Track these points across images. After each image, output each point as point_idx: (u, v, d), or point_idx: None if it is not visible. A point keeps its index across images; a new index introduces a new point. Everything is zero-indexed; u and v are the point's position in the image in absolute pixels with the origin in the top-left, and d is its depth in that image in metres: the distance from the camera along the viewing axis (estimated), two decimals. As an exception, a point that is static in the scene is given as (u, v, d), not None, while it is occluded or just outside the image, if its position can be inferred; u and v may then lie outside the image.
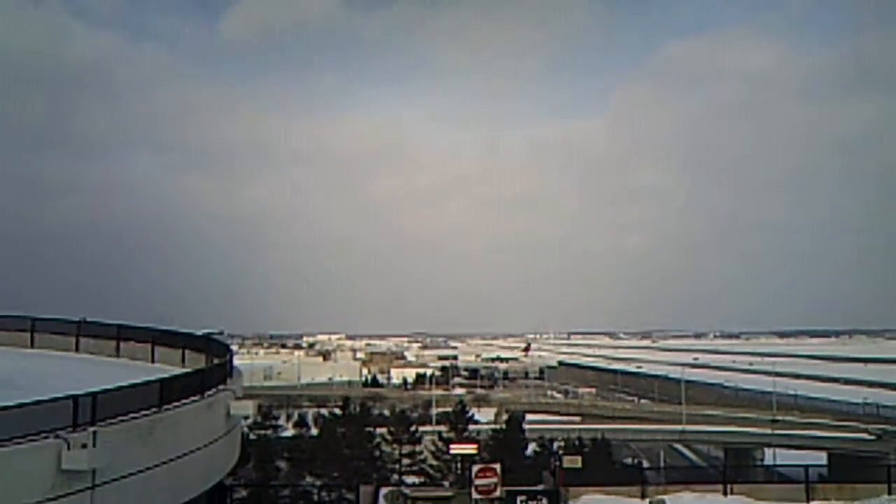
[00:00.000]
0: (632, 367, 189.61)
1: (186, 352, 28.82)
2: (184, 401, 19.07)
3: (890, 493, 30.46)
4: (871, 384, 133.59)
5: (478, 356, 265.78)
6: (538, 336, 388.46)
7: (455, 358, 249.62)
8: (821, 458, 79.65)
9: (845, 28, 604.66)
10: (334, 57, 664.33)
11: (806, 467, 34.93)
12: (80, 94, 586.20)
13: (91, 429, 14.68)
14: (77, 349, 32.49)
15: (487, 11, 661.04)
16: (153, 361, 29.63)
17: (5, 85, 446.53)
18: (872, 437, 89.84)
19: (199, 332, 31.93)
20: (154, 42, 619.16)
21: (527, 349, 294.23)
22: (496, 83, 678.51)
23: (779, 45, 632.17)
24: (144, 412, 17.09)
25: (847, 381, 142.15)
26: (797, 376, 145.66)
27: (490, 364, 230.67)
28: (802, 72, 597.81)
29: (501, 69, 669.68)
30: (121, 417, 16.07)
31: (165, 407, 17.94)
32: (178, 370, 25.42)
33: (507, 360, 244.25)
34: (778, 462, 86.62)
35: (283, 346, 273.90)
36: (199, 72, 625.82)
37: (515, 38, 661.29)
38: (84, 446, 14.22)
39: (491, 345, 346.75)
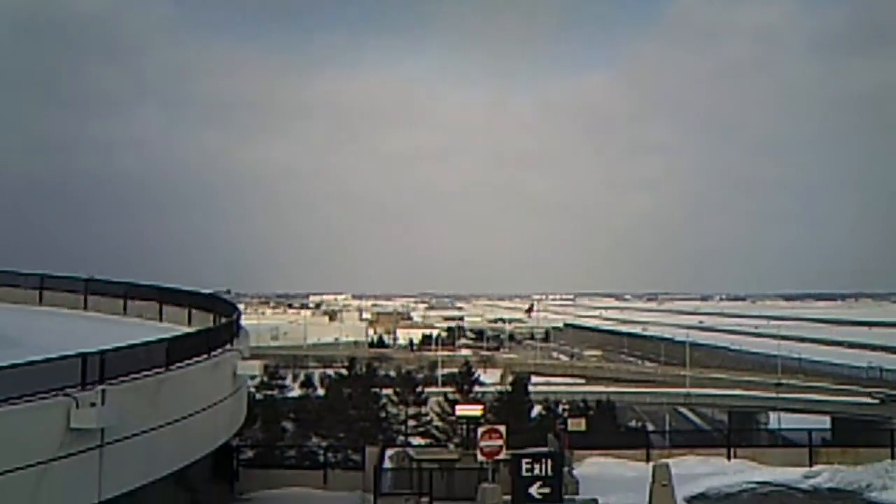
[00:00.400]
0: (637, 330, 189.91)
1: (193, 311, 28.96)
2: (190, 361, 19.15)
3: (893, 457, 30.58)
4: (875, 348, 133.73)
5: (481, 317, 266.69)
6: (544, 297, 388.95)
7: (461, 319, 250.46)
8: (824, 421, 79.85)
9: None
10: (345, 12, 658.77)
11: (809, 431, 35.12)
12: (84, 47, 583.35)
13: (100, 387, 14.72)
14: (85, 307, 32.66)
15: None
16: (161, 320, 29.76)
17: (7, 38, 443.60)
18: (875, 402, 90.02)
19: (207, 292, 31.97)
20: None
21: (530, 310, 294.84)
22: (506, 37, 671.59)
23: (789, 1, 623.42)
24: (151, 371, 17.16)
25: (852, 345, 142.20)
26: (802, 339, 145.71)
27: (495, 325, 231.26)
28: (812, 29, 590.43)
29: (511, 23, 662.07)
30: (129, 376, 16.13)
31: (172, 366, 18.02)
32: (185, 329, 25.51)
33: (510, 320, 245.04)
34: (782, 426, 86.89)
35: (290, 306, 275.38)
36: (208, 27, 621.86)
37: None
38: (93, 405, 14.28)
39: (497, 306, 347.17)
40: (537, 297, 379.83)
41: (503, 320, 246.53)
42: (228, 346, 22.59)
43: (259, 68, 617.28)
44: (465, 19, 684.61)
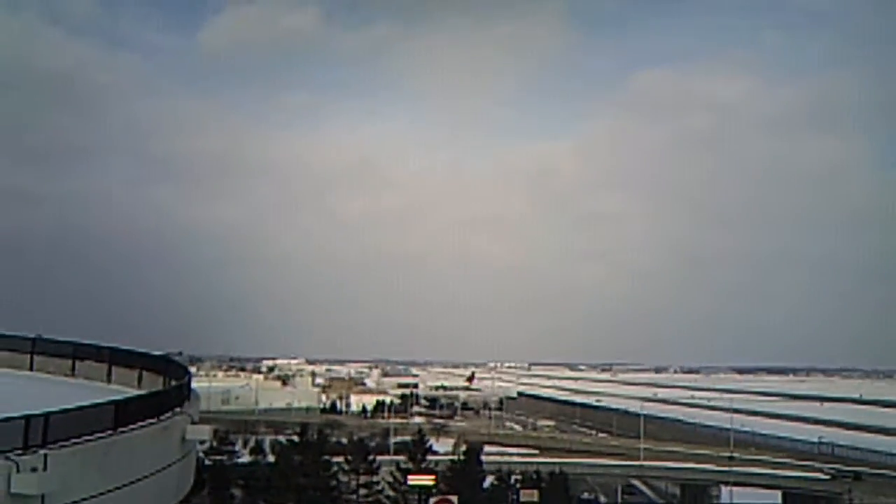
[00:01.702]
0: (591, 400, 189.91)
1: (144, 373, 28.29)
2: (139, 424, 18.65)
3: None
4: (827, 423, 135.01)
5: (424, 383, 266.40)
6: (499, 364, 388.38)
7: (415, 386, 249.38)
8: (776, 496, 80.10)
9: (813, 66, 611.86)
10: (310, 73, 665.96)
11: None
12: (51, 101, 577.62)
13: (42, 451, 14.27)
14: (31, 367, 31.82)
15: (464, 35, 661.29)
16: (110, 382, 29.08)
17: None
18: (827, 477, 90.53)
19: (158, 353, 31.39)
20: (130, 52, 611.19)
21: (471, 378, 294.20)
22: (468, 105, 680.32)
23: (747, 78, 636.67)
24: (98, 435, 16.66)
25: (804, 419, 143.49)
26: (755, 413, 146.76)
27: (447, 393, 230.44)
28: (769, 107, 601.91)
29: (474, 91, 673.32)
30: (73, 440, 15.65)
31: (120, 430, 17.52)
32: (134, 391, 24.95)
33: (451, 388, 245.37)
34: (734, 500, 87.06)
35: (243, 370, 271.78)
36: (174, 83, 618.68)
37: (489, 62, 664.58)
38: (34, 470, 13.82)
39: (451, 373, 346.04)
40: (492, 364, 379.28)
41: (444, 387, 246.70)
42: (178, 410, 22.07)
43: (220, 126, 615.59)
44: (429, 85, 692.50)
